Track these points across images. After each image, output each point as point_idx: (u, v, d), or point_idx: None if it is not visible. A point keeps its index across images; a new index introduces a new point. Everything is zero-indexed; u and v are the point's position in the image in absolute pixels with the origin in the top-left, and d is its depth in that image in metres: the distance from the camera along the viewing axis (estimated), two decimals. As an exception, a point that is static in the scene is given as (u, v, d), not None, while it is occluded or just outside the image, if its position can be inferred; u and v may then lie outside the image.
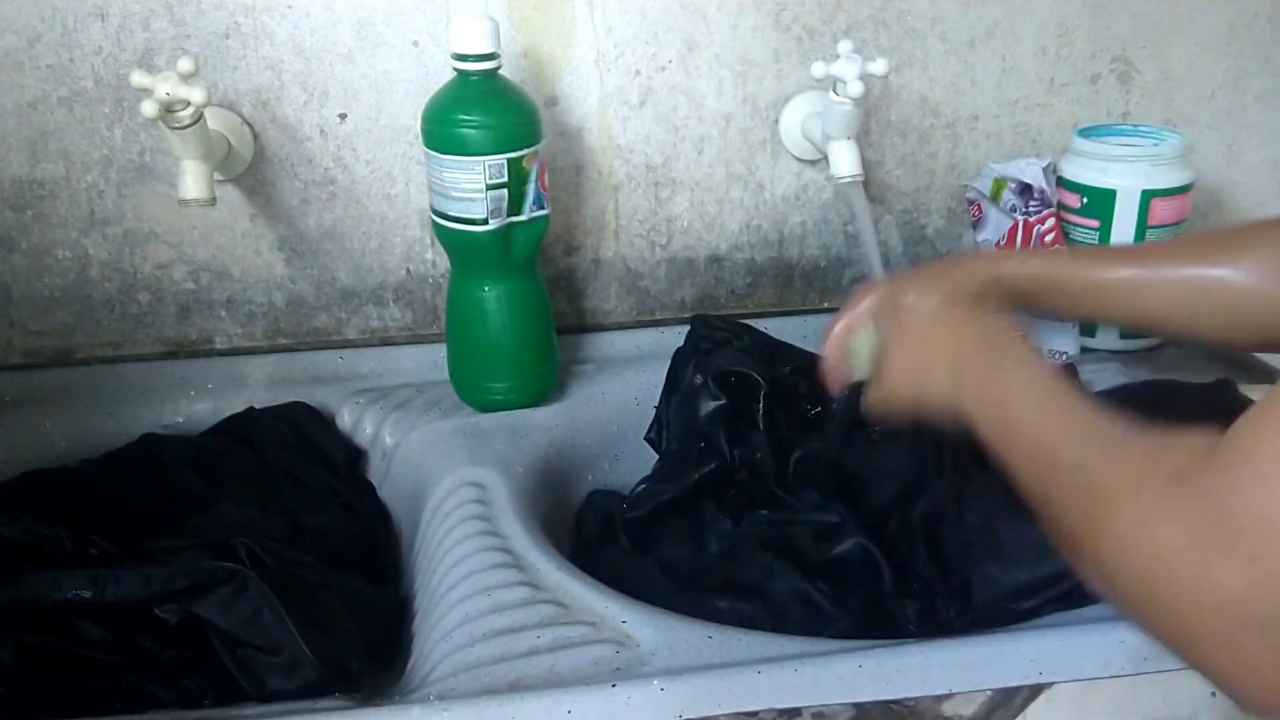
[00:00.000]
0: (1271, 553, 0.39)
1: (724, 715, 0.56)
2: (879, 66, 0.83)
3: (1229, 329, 0.69)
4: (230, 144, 0.87)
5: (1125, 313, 0.74)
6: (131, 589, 0.66)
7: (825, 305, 1.03)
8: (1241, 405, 0.66)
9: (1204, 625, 0.40)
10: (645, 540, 0.79)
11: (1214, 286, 0.68)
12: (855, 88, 0.82)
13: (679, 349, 0.89)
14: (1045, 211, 0.90)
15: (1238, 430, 0.42)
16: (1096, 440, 0.50)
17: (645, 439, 0.87)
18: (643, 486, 0.82)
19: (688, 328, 0.90)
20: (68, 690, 0.64)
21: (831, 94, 0.84)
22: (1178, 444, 0.45)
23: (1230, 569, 0.39)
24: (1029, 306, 0.73)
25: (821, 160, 0.94)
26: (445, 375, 0.89)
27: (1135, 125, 0.95)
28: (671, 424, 0.85)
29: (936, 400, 0.63)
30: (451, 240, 0.82)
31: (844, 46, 0.83)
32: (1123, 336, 0.93)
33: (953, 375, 0.61)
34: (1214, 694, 0.61)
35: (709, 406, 0.82)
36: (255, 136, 0.89)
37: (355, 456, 0.87)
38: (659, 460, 0.85)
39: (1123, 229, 0.89)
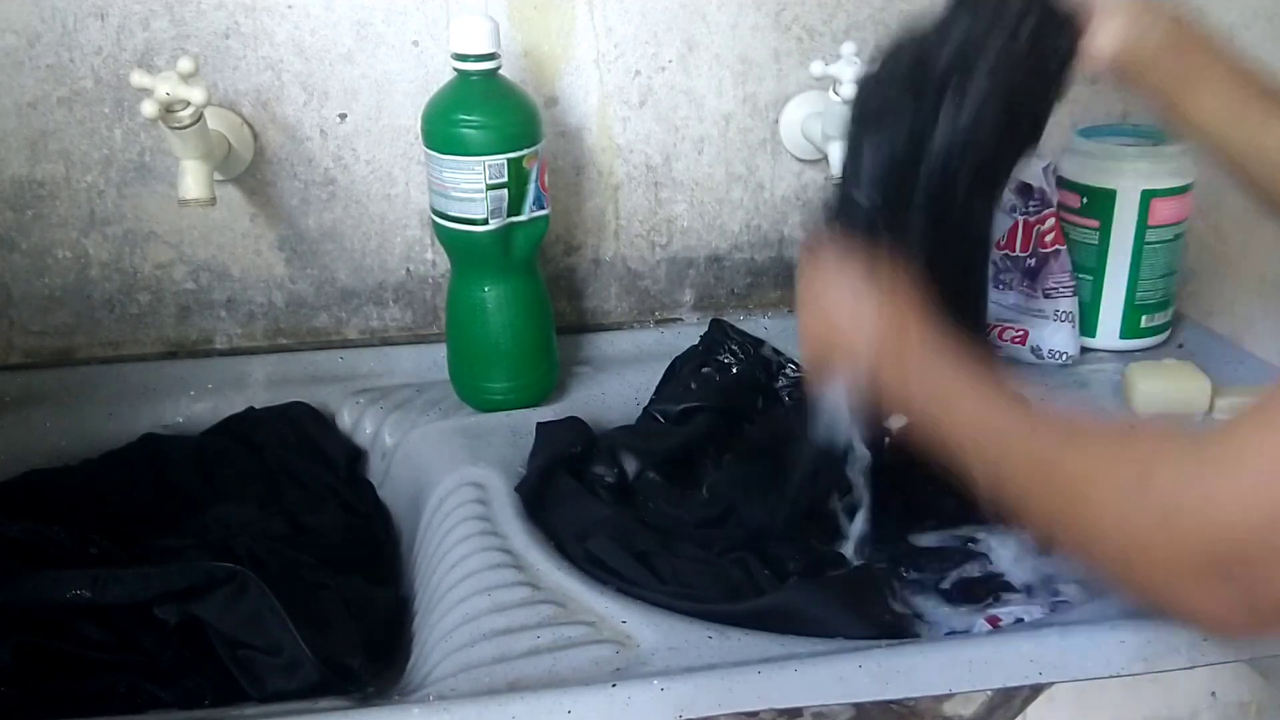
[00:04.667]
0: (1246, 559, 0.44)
1: (724, 715, 0.56)
2: None
3: None
4: (230, 144, 0.87)
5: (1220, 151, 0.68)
6: (131, 589, 0.66)
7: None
8: None
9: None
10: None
11: None
12: (849, 89, 0.82)
13: (692, 348, 0.91)
14: (1045, 211, 0.90)
15: (1232, 430, 0.47)
16: (1063, 436, 0.54)
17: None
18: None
19: (689, 329, 0.91)
20: (68, 690, 0.63)
21: (831, 93, 0.84)
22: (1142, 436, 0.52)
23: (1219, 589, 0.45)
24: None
25: (822, 160, 0.94)
26: (445, 375, 0.89)
27: (1135, 125, 0.95)
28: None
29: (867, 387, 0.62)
30: (451, 240, 0.82)
31: (847, 49, 0.83)
32: (1122, 336, 0.93)
33: (903, 378, 0.61)
34: (1213, 694, 0.61)
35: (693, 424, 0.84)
36: (255, 136, 0.89)
37: (355, 456, 0.87)
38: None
39: (1123, 229, 0.89)
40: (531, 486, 0.76)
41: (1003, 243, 0.92)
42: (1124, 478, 0.49)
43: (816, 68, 0.84)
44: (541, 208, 0.82)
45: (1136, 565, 0.49)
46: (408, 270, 0.96)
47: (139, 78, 0.73)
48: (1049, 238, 0.90)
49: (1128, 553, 0.49)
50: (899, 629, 0.64)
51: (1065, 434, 0.54)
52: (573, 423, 0.83)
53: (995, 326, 0.93)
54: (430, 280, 0.96)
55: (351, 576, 0.74)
